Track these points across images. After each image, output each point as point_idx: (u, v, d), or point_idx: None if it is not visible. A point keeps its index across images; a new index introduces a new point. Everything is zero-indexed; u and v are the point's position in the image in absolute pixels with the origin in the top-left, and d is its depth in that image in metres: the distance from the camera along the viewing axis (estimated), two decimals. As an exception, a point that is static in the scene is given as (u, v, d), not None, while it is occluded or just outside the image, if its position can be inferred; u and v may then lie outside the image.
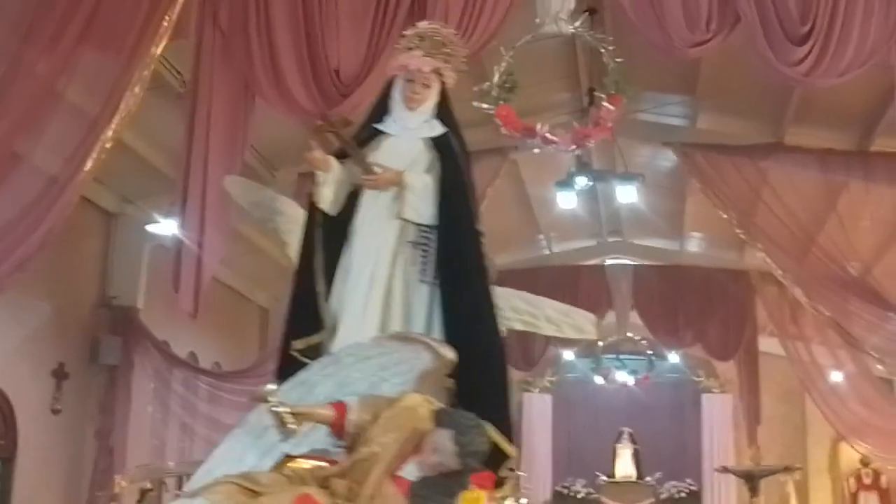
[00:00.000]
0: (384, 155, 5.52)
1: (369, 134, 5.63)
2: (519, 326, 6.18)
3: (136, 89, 6.57)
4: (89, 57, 6.61)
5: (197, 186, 6.80)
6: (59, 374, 10.52)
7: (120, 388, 11.20)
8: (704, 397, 18.74)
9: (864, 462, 17.16)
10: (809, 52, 6.48)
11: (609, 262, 15.93)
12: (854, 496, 17.68)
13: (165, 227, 10.50)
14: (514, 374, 17.25)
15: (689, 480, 18.52)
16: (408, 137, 5.58)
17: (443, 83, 5.66)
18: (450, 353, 4.81)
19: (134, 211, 11.49)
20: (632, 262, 15.91)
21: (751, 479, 14.56)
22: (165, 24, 6.63)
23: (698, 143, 11.39)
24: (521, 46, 7.07)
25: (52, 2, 6.46)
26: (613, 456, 18.94)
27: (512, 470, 5.29)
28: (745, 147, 11.13)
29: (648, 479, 18.63)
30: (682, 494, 18.46)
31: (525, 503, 6.11)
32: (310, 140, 5.50)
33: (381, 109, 5.72)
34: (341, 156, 5.54)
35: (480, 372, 4.95)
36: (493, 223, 13.06)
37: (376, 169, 5.44)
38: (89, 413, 11.07)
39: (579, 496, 18.56)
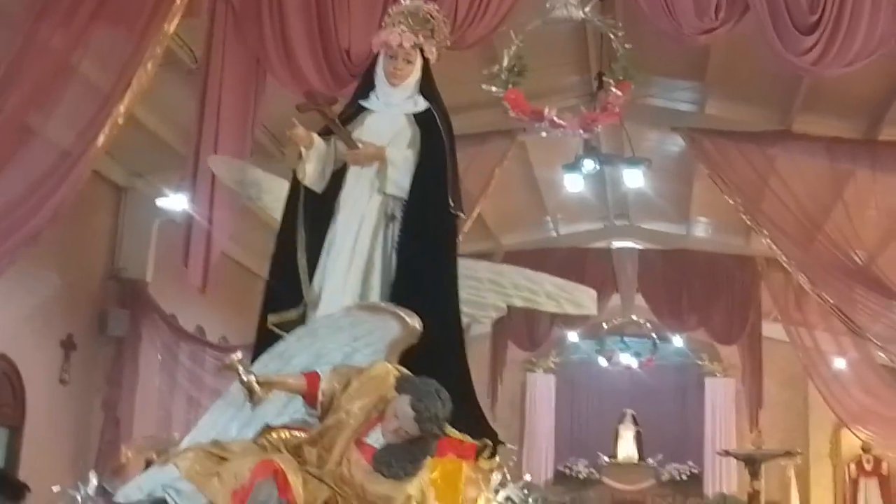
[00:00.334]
0: (368, 131, 5.61)
1: (354, 110, 5.72)
2: (519, 303, 6.21)
3: (149, 66, 6.62)
4: (102, 33, 6.68)
5: (207, 163, 6.85)
6: (68, 345, 10.64)
7: (127, 360, 11.31)
8: (707, 381, 18.82)
9: (865, 448, 17.26)
10: (817, 41, 6.50)
11: (615, 245, 15.98)
12: (855, 482, 17.78)
13: (175, 201, 10.59)
14: (518, 355, 17.55)
15: (690, 463, 18.63)
16: (391, 113, 5.68)
17: (425, 59, 5.74)
18: (416, 322, 4.86)
19: (143, 185, 11.57)
20: (638, 246, 15.94)
21: (752, 463, 14.64)
22: (178, 1, 6.67)
23: (706, 129, 11.41)
24: (532, 30, 7.10)
25: (67, -22, 6.52)
26: (616, 437, 19.05)
27: (500, 443, 5.42)
28: (752, 134, 11.15)
29: (650, 460, 18.74)
30: (684, 477, 18.56)
31: (528, 478, 6.15)
32: (293, 117, 5.59)
33: (366, 86, 5.81)
34: (327, 132, 5.61)
35: (434, 343, 4.97)
36: (500, 204, 13.33)
37: (359, 145, 5.52)
38: (96, 384, 11.19)
39: (581, 476, 18.67)
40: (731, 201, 11.41)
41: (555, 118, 7.03)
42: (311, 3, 6.85)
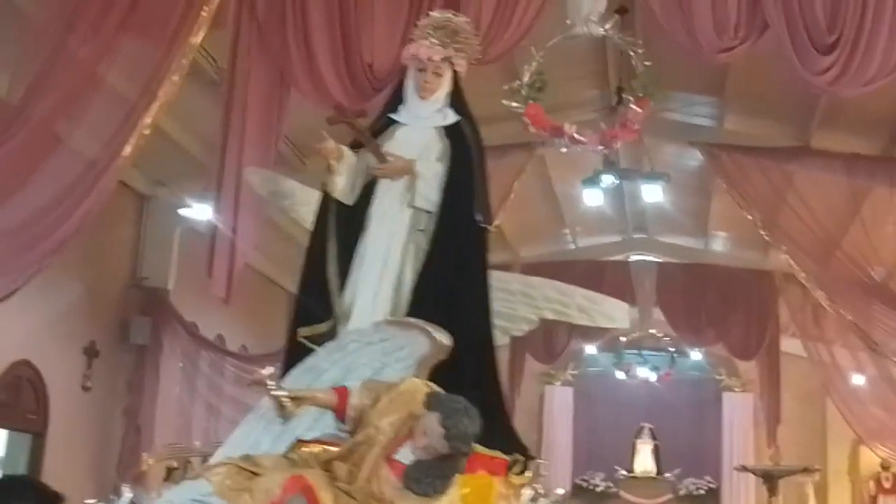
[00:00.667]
0: (397, 144, 5.59)
1: (384, 123, 5.71)
2: (550, 315, 6.19)
3: (175, 77, 6.71)
4: (130, 44, 6.76)
5: (232, 174, 6.95)
6: (91, 353, 10.78)
7: (149, 367, 11.43)
8: (725, 396, 18.80)
9: (885, 466, 17.18)
10: (836, 61, 6.54)
11: (633, 258, 16.01)
12: (874, 499, 17.69)
13: (198, 210, 10.72)
14: (536, 367, 17.55)
15: (707, 478, 18.59)
16: (420, 126, 5.66)
17: (455, 72, 5.73)
18: (445, 339, 4.86)
19: (166, 194, 11.69)
20: (656, 259, 15.98)
21: (770, 479, 14.59)
22: (204, 14, 6.76)
23: (725, 144, 11.47)
24: (552, 46, 7.18)
25: (95, -10, 6.63)
26: (633, 451, 19.04)
27: (531, 458, 5.40)
28: (771, 149, 11.20)
29: (667, 475, 18.72)
30: (701, 492, 18.54)
31: (561, 492, 6.11)
32: (322, 130, 5.58)
33: (395, 99, 5.81)
34: (357, 145, 5.61)
35: (465, 359, 4.98)
36: (518, 217, 13.39)
37: (389, 158, 5.51)
38: (118, 391, 11.32)
39: (598, 490, 18.67)
40: (749, 216, 11.46)
41: (575, 134, 7.10)
42: (335, 17, 6.93)
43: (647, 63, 6.96)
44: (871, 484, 17.75)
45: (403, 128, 5.68)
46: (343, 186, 5.55)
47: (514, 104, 7.13)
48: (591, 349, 18.41)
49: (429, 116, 5.70)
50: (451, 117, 5.70)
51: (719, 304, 15.43)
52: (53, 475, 9.90)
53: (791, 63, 6.72)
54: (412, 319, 5.17)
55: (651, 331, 17.38)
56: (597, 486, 18.76)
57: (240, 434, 4.94)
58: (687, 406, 19.14)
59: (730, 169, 11.29)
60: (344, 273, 5.49)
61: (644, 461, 19.02)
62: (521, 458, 5.07)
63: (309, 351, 5.23)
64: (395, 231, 5.48)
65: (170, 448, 11.47)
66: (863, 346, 12.97)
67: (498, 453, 4.95)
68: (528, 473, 5.30)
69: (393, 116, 5.73)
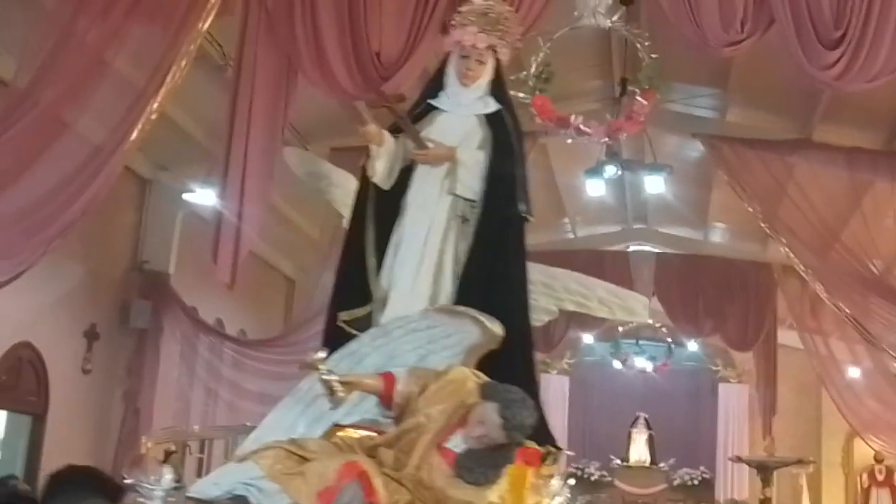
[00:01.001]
0: (437, 130, 5.55)
1: (424, 109, 5.66)
2: (570, 307, 6.17)
3: (183, 63, 6.72)
4: (138, 29, 6.78)
5: (238, 160, 6.97)
6: (91, 336, 10.81)
7: (149, 351, 11.46)
8: (721, 386, 18.91)
9: (878, 458, 17.29)
10: (841, 56, 6.56)
11: (633, 248, 16.03)
12: (867, 492, 17.82)
13: (200, 195, 10.74)
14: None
15: (702, 468, 18.71)
16: (461, 114, 5.60)
17: (497, 60, 5.68)
18: (498, 328, 4.79)
19: (168, 178, 11.71)
20: (655, 250, 16.00)
21: (764, 470, 14.70)
22: (213, 0, 6.78)
23: (727, 136, 11.49)
24: (559, 38, 7.20)
25: (104, -25, 6.63)
26: (628, 440, 19.13)
27: (558, 448, 5.37)
28: (773, 142, 11.23)
29: (662, 464, 18.83)
30: (695, 482, 18.64)
31: (572, 481, 6.17)
32: (364, 114, 5.53)
33: (436, 85, 5.74)
34: (395, 130, 5.57)
35: (506, 348, 4.93)
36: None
37: (429, 144, 5.47)
38: (118, 374, 11.35)
39: (593, 478, 18.76)
40: (749, 208, 11.48)
41: (581, 126, 7.13)
42: (344, 5, 6.93)
43: (653, 55, 6.97)
44: (865, 476, 17.87)
45: (444, 114, 5.62)
46: (382, 171, 5.51)
47: (521, 94, 7.13)
48: (588, 338, 18.46)
49: (470, 104, 5.64)
50: (493, 105, 5.64)
51: (717, 296, 15.46)
52: (53, 457, 9.94)
53: (797, 58, 6.74)
54: (463, 308, 5.09)
55: (648, 321, 17.42)
56: (591, 474, 18.85)
57: (275, 417, 4.90)
58: (683, 396, 19.24)
59: (731, 161, 11.31)
60: (381, 258, 5.47)
61: (639, 450, 19.12)
62: (552, 449, 5.10)
63: (346, 335, 5.20)
64: (435, 218, 5.43)
65: (168, 431, 11.52)
66: (859, 339, 12.94)
67: (533, 444, 4.94)
68: (555, 464, 5.35)
69: (433, 103, 5.66)
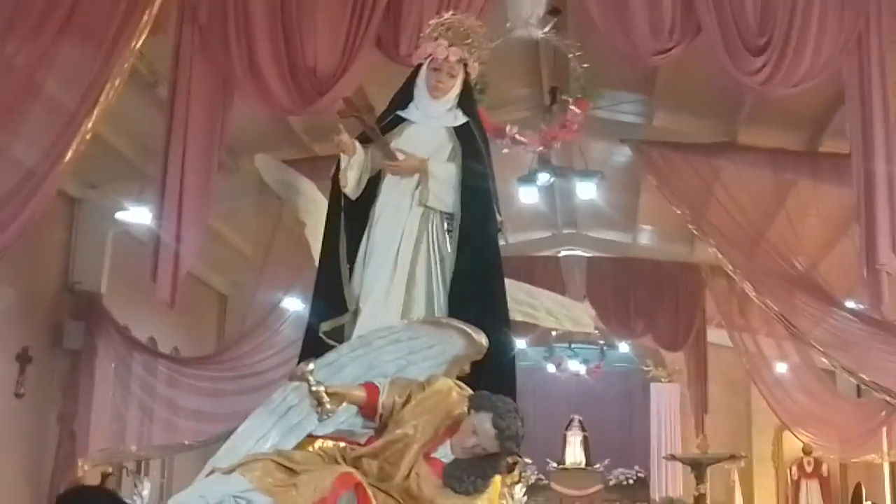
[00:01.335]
0: (407, 142, 5.59)
1: (392, 121, 5.69)
2: (518, 317, 6.23)
3: (116, 82, 6.68)
4: (69, 50, 6.72)
5: (175, 179, 6.93)
6: (23, 359, 10.61)
7: (83, 372, 11.27)
8: (653, 386, 19.10)
9: (806, 451, 17.64)
10: (766, 62, 6.77)
11: (563, 253, 16.19)
12: (796, 483, 18.18)
13: (133, 214, 10.64)
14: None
15: (636, 467, 18.95)
16: (431, 126, 5.65)
17: (466, 73, 5.74)
18: (483, 339, 4.80)
19: (97, 196, 11.55)
20: (585, 254, 16.17)
21: (697, 467, 14.90)
22: (145, 18, 6.74)
23: (654, 141, 11.68)
24: (492, 49, 7.26)
25: (34, -5, 6.57)
26: (563, 443, 19.33)
27: (520, 456, 5.53)
28: (699, 145, 11.43)
29: (597, 465, 19.04)
30: (630, 481, 18.90)
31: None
32: (338, 123, 5.54)
33: (404, 97, 5.77)
34: (364, 141, 5.59)
35: (490, 360, 4.95)
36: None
37: (399, 155, 5.51)
38: (52, 397, 11.15)
39: (530, 482, 18.87)
40: (678, 211, 11.67)
41: (517, 135, 7.22)
42: (277, 22, 6.95)
43: (585, 65, 7.09)
44: (794, 469, 18.24)
45: (413, 126, 5.66)
46: (353, 182, 5.54)
47: (457, 106, 7.18)
48: (521, 344, 18.58)
49: (440, 116, 5.69)
50: (461, 118, 5.71)
51: (647, 297, 15.69)
52: (-11, 483, 9.80)
53: (724, 64, 6.92)
54: (447, 319, 5.13)
55: (594, 331, 17.57)
56: (528, 478, 18.95)
57: (247, 427, 4.88)
58: (616, 397, 19.50)
59: (659, 165, 11.49)
60: (352, 268, 5.50)
61: (574, 453, 19.33)
62: (520, 458, 5.17)
63: (320, 346, 5.21)
64: (406, 229, 5.47)
65: (105, 452, 11.40)
66: (786, 335, 13.19)
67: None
68: (517, 471, 5.43)
69: (402, 114, 5.70)
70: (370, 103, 6.07)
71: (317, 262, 5.85)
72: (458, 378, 4.84)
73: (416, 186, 5.52)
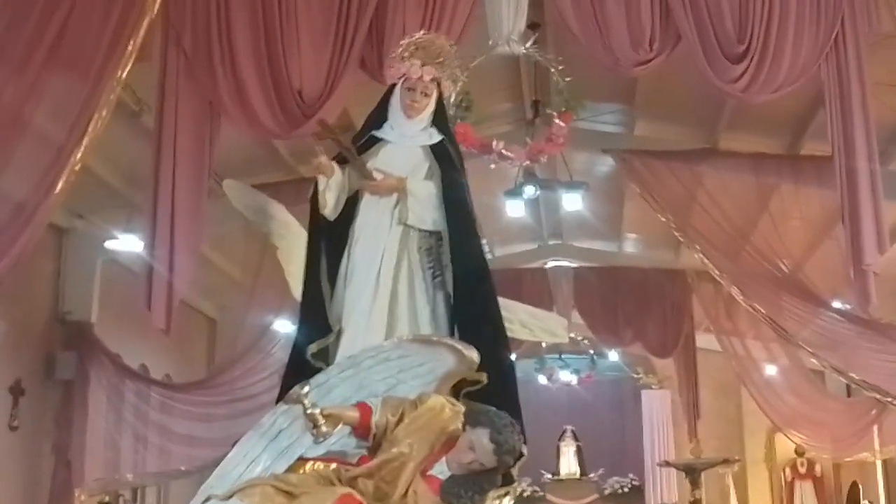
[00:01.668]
0: (383, 161, 5.65)
1: (368, 141, 5.75)
2: None
3: (103, 112, 6.71)
4: (55, 82, 6.74)
5: (165, 207, 6.96)
6: (16, 391, 10.58)
7: (76, 402, 11.25)
8: (644, 393, 19.20)
9: (799, 452, 17.72)
10: (746, 69, 6.86)
11: (550, 264, 16.26)
12: (790, 485, 18.24)
13: (123, 242, 10.67)
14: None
15: (631, 475, 19.02)
16: (406, 145, 5.72)
17: (440, 92, 5.84)
18: (474, 354, 4.83)
19: (85, 226, 11.55)
20: (572, 265, 16.23)
21: (691, 473, 15.01)
22: (130, 48, 6.77)
23: (636, 150, 11.77)
24: (475, 66, 7.36)
25: (18, 28, 6.57)
26: (557, 454, 19.39)
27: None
28: (681, 152, 11.52)
29: (592, 475, 19.09)
30: (625, 489, 18.96)
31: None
32: (315, 146, 5.62)
33: (379, 116, 5.84)
34: (340, 161, 5.64)
35: (490, 374, 5.00)
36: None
37: (377, 175, 5.57)
38: (46, 428, 11.12)
39: (525, 495, 18.90)
40: (662, 218, 11.74)
41: (503, 151, 7.29)
42: (261, 46, 6.99)
43: (567, 79, 7.18)
44: (788, 470, 18.31)
45: (389, 145, 5.73)
46: (332, 203, 5.60)
47: (442, 123, 7.26)
48: (511, 356, 18.60)
49: (415, 135, 5.77)
50: (436, 136, 5.80)
51: (635, 305, 15.76)
52: (-16, 517, 9.78)
53: (704, 73, 7.01)
54: (437, 336, 5.21)
55: (571, 335, 17.63)
56: (523, 491, 18.98)
57: (238, 451, 4.89)
58: (607, 406, 19.55)
59: (642, 173, 11.57)
60: (333, 288, 5.55)
61: (568, 463, 19.39)
62: (513, 472, 5.21)
63: (303, 367, 5.25)
64: (386, 248, 5.52)
65: (101, 482, 11.38)
66: (775, 337, 13.25)
67: None
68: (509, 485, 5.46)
69: (378, 134, 5.77)
70: (344, 124, 6.15)
71: (291, 285, 5.90)
72: (470, 391, 4.91)
73: (395, 205, 5.58)
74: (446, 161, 5.70)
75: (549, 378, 19.02)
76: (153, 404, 12.15)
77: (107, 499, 11.33)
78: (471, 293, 5.45)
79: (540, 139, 7.80)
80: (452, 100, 7.22)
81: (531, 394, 19.40)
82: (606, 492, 19.06)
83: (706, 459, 15.78)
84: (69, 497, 10.86)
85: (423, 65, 5.71)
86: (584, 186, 11.36)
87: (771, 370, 14.80)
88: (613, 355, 18.71)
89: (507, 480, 4.94)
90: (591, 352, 18.58)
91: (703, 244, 11.78)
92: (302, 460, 4.67)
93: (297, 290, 6.03)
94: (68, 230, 11.54)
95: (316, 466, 4.60)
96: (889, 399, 11.11)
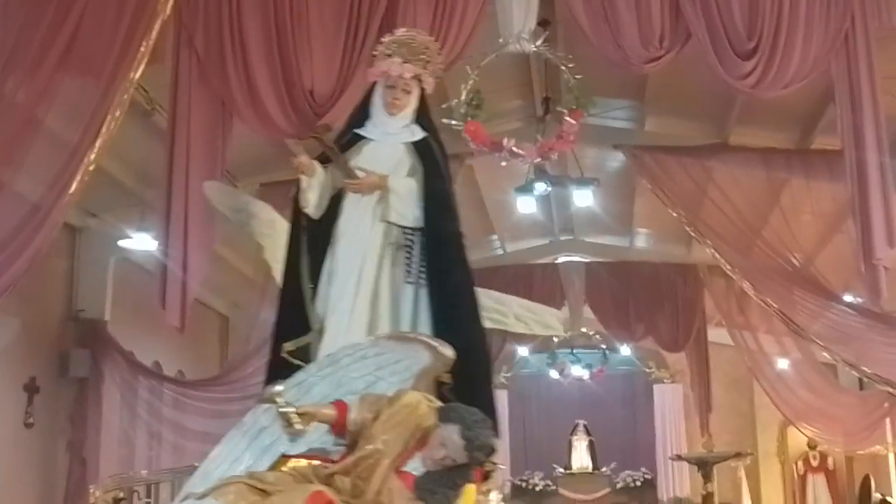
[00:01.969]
0: (366, 159, 5.69)
1: (351, 139, 5.79)
2: (488, 324, 6.22)
3: (117, 113, 6.76)
4: (69, 83, 6.79)
5: (179, 206, 7.00)
6: (31, 389, 10.64)
7: (90, 399, 11.34)
8: (656, 388, 19.26)
9: (811, 445, 17.73)
10: (756, 66, 6.87)
11: (562, 259, 16.29)
12: (802, 478, 18.27)
13: (134, 241, 10.73)
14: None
15: (643, 469, 19.03)
16: (389, 142, 5.75)
17: (422, 89, 5.86)
18: (449, 351, 4.87)
19: (98, 224, 11.62)
20: (583, 260, 16.26)
21: (704, 466, 15.02)
22: (142, 49, 6.82)
23: (647, 146, 11.79)
24: (485, 64, 7.39)
25: (32, 30, 6.62)
26: (569, 448, 19.42)
27: (494, 463, 5.63)
28: (691, 148, 11.55)
29: (604, 469, 19.11)
30: (638, 483, 18.98)
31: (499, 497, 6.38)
32: (294, 146, 5.68)
33: (361, 115, 5.89)
34: (323, 160, 5.69)
35: (467, 369, 5.04)
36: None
37: (359, 173, 5.60)
38: (61, 425, 11.20)
39: (538, 489, 18.98)
40: (674, 214, 11.77)
41: (514, 148, 7.32)
42: (273, 47, 7.02)
43: (578, 77, 7.20)
44: (800, 464, 18.33)
45: (371, 143, 5.77)
46: (314, 202, 5.64)
47: (454, 122, 7.32)
48: (523, 351, 18.67)
49: (397, 132, 5.81)
50: (419, 133, 5.82)
51: (647, 300, 15.73)
52: (1, 515, 9.85)
53: (714, 69, 7.02)
54: (413, 333, 5.25)
55: (582, 329, 17.69)
56: (536, 485, 19.08)
57: (221, 451, 4.92)
58: (619, 400, 19.57)
59: (653, 169, 11.59)
60: (316, 287, 5.58)
61: (580, 457, 19.40)
62: (496, 465, 5.26)
63: (288, 366, 5.27)
64: (369, 246, 5.56)
65: (116, 478, 11.44)
66: (786, 331, 13.29)
67: None
68: (492, 477, 5.52)
69: (360, 132, 5.81)
70: (328, 123, 6.18)
71: (279, 282, 5.96)
72: (444, 384, 4.94)
73: (378, 203, 5.62)
74: (429, 158, 5.74)
75: (561, 373, 19.03)
76: (166, 401, 12.21)
77: (121, 495, 11.36)
78: (446, 287, 5.48)
79: (550, 136, 7.81)
80: (463, 98, 7.26)
81: (543, 388, 19.55)
82: (619, 486, 19.06)
83: (718, 453, 15.79)
84: (84, 494, 10.91)
85: (403, 62, 5.75)
86: (594, 182, 11.39)
87: (783, 364, 14.80)
88: (625, 350, 18.72)
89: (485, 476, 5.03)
90: (603, 346, 18.57)
91: (715, 239, 11.81)
92: (284, 458, 4.70)
93: None
94: (82, 229, 11.61)
95: (297, 464, 4.62)
96: (901, 392, 11.16)
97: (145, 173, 10.16)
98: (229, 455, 4.88)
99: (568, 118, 7.20)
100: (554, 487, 19.07)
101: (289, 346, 5.51)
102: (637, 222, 15.31)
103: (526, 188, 11.00)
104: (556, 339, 17.97)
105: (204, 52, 7.10)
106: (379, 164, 5.69)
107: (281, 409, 4.42)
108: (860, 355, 11.52)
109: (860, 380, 14.51)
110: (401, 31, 5.98)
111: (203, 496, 4.32)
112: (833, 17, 7.10)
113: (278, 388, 4.48)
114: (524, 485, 19.00)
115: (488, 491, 5.44)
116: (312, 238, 5.68)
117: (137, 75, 6.88)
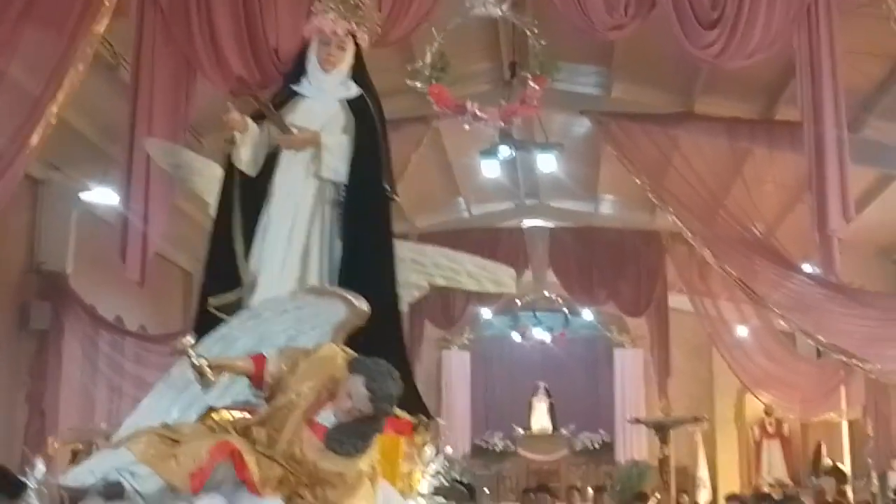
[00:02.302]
0: (301, 116, 5.74)
1: (286, 95, 5.84)
2: (441, 282, 6.35)
3: (80, 66, 6.73)
4: (31, 35, 6.74)
5: (141, 161, 6.99)
6: (-10, 341, 10.66)
7: (50, 352, 11.31)
8: (617, 352, 19.43)
9: (768, 412, 17.95)
10: (719, 35, 6.91)
11: (526, 223, 16.36)
12: (758, 444, 18.52)
13: (98, 195, 10.67)
14: (434, 333, 17.79)
15: (602, 432, 19.23)
16: (324, 99, 5.82)
17: (357, 45, 5.90)
18: (364, 304, 4.97)
19: (60, 178, 11.55)
20: (548, 224, 16.34)
21: (661, 430, 15.19)
22: (107, 2, 6.78)
23: (613, 112, 11.84)
24: (452, 27, 7.39)
25: (-8, -17, 6.59)
26: (529, 409, 19.56)
27: (430, 418, 5.67)
28: (657, 115, 11.63)
29: (563, 431, 19.30)
30: (596, 445, 19.18)
31: (449, 451, 6.46)
32: (228, 102, 5.71)
33: (297, 71, 5.93)
34: (258, 117, 5.73)
35: (377, 323, 5.09)
36: (414, 187, 13.59)
37: (293, 130, 5.65)
38: (20, 378, 11.18)
39: (497, 449, 19.16)
40: (637, 181, 11.87)
41: (477, 111, 7.35)
42: (239, 3, 7.00)
43: (543, 42, 7.22)
44: (756, 430, 18.58)
45: (306, 100, 5.81)
46: (248, 158, 5.67)
47: (419, 84, 7.33)
48: (486, 313, 18.76)
49: (332, 89, 5.85)
50: (354, 90, 5.86)
51: (609, 265, 15.84)
52: (-40, 466, 9.82)
53: (678, 39, 7.06)
54: (329, 287, 5.34)
55: (545, 293, 17.80)
56: (496, 445, 19.24)
57: (149, 403, 5.00)
58: (580, 363, 19.71)
59: (618, 136, 11.67)
60: (248, 243, 5.62)
61: (540, 419, 19.56)
62: (424, 418, 5.34)
63: (218, 320, 5.29)
64: (301, 202, 5.62)
65: (75, 431, 11.45)
66: (746, 300, 13.45)
67: (404, 414, 5.21)
68: (428, 433, 5.60)
69: (296, 89, 5.85)
70: (264, 80, 6.27)
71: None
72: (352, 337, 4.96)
73: (312, 160, 5.67)
74: (364, 115, 5.78)
75: (523, 335, 19.14)
76: (128, 355, 12.22)
77: (80, 447, 11.38)
78: (359, 241, 5.55)
79: (515, 101, 7.84)
80: (428, 60, 7.27)
81: (505, 350, 19.67)
82: (577, 447, 19.26)
83: (675, 417, 16.02)
84: (43, 445, 10.91)
85: (338, 18, 5.78)
86: (558, 148, 11.43)
87: (742, 331, 14.99)
88: (587, 314, 18.84)
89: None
90: (566, 310, 18.70)
91: (677, 207, 11.93)
92: (211, 410, 4.75)
93: None
94: (44, 181, 11.52)
95: (221, 416, 4.68)
96: (856, 361, 11.32)
97: (109, 127, 10.09)
98: (157, 407, 4.97)
99: (532, 83, 7.22)
100: (514, 448, 19.24)
101: (214, 301, 5.56)
102: (602, 188, 15.39)
103: (490, 152, 11.02)
104: (518, 302, 18.09)
105: (168, 8, 7.07)
106: (313, 120, 5.74)
107: (193, 361, 4.46)
108: (818, 325, 11.67)
109: (817, 348, 14.71)
110: None
111: (117, 446, 4.41)
112: (796, -12, 7.14)
113: (189, 339, 4.51)
114: (484, 445, 19.16)
115: (423, 444, 5.52)
116: (248, 195, 5.70)
117: (102, 28, 6.84)
